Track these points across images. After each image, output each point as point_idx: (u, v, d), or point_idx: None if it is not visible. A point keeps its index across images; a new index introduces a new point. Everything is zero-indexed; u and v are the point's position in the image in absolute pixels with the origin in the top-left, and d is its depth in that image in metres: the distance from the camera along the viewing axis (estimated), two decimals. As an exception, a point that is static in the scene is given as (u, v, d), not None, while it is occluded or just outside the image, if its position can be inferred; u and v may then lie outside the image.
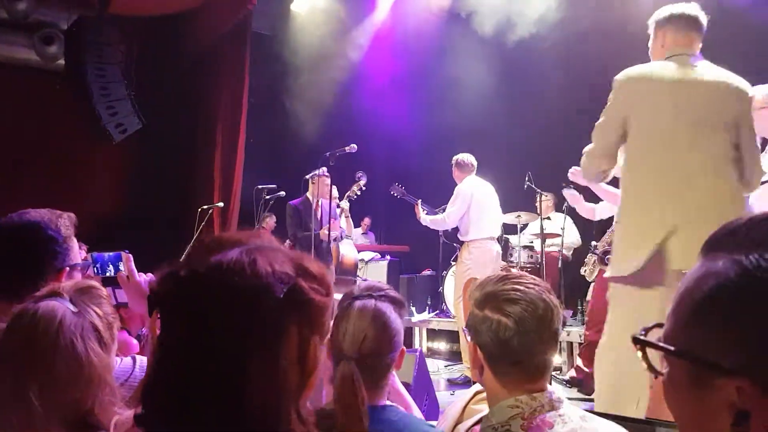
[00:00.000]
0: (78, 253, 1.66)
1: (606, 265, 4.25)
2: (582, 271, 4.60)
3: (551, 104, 6.98)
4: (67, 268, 1.59)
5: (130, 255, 1.71)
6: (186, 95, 8.54)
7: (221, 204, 6.94)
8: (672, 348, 0.56)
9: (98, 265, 1.75)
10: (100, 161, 8.06)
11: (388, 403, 1.42)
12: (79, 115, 8.02)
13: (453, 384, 5.22)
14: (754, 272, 0.52)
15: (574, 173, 4.44)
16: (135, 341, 2.50)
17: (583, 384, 4.53)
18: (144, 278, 1.68)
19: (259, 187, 6.09)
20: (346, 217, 5.78)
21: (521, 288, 1.27)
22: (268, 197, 6.03)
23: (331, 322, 1.33)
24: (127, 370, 1.48)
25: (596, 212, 4.70)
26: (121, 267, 1.71)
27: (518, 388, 1.26)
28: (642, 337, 0.60)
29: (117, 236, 7.30)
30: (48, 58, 7.89)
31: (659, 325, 0.61)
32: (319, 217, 5.48)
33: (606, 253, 4.33)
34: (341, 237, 5.54)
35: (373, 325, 1.38)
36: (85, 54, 8.03)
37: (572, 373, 4.77)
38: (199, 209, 6.50)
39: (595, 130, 2.68)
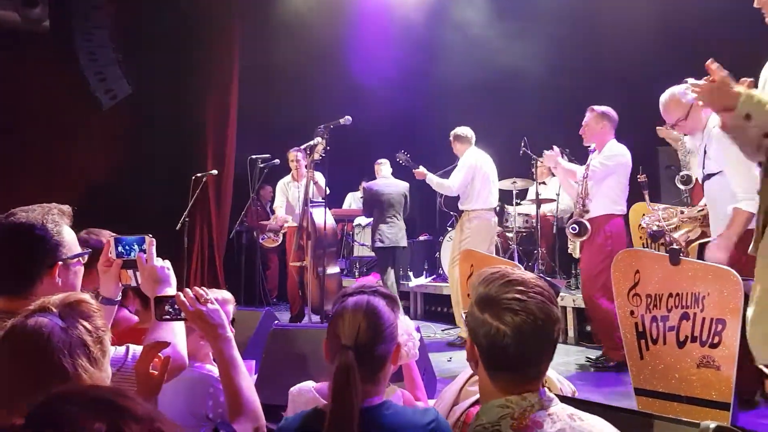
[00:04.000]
0: (73, 243, 1.66)
1: (577, 236, 4.27)
2: (569, 250, 4.64)
3: (547, 69, 6.88)
4: (60, 263, 1.59)
5: (153, 240, 1.76)
6: (177, 58, 8.34)
7: (215, 172, 6.88)
8: None
9: (122, 247, 1.79)
10: (90, 128, 7.90)
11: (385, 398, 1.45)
12: (68, 80, 7.84)
13: (452, 346, 5.30)
14: None
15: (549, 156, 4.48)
16: (135, 318, 2.53)
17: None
18: (161, 264, 1.73)
19: (253, 156, 6.03)
20: (315, 183, 5.72)
21: (523, 298, 1.25)
22: (262, 165, 5.98)
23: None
24: (120, 359, 1.51)
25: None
26: (144, 248, 1.76)
27: (510, 390, 1.26)
28: None
29: (109, 205, 7.30)
30: (32, 21, 7.67)
31: None
32: None
33: (576, 223, 4.29)
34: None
35: (367, 317, 1.43)
36: (71, 17, 7.81)
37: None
38: (193, 177, 6.48)
39: None
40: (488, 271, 1.36)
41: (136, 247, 1.77)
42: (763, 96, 2.01)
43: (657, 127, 4.81)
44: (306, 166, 5.51)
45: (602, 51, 6.44)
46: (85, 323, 1.18)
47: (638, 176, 4.47)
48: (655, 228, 3.78)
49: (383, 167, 6.38)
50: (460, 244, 5.37)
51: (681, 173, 4.75)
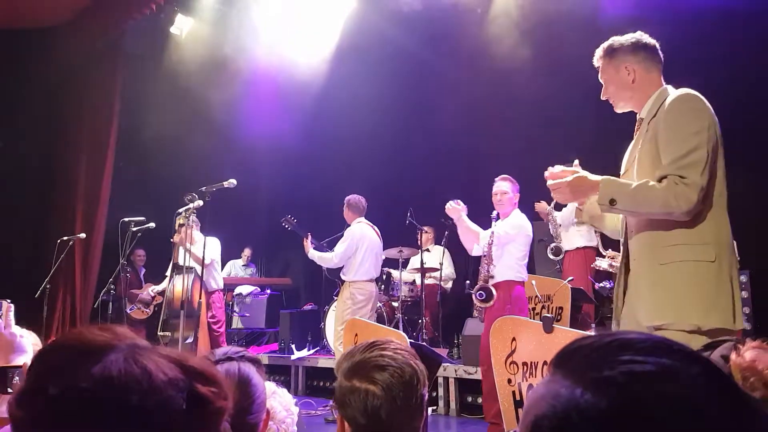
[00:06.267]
0: None
1: (484, 302, 4.21)
2: (475, 314, 4.58)
3: (430, 139, 7.19)
4: None
5: (12, 305, 1.63)
6: (50, 115, 7.86)
7: (83, 235, 6.43)
8: None
9: None
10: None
11: None
12: None
13: (330, 423, 5.10)
14: (576, 411, 0.52)
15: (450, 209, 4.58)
16: None
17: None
18: (19, 332, 1.60)
19: (126, 219, 5.66)
20: (187, 250, 5.48)
21: (388, 353, 1.27)
22: (135, 229, 5.61)
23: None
24: None
25: (475, 249, 4.64)
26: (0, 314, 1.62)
27: None
28: None
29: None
30: None
31: None
32: None
33: (482, 289, 4.28)
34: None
35: (240, 386, 1.38)
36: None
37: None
38: (59, 240, 6.06)
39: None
40: (349, 348, 1.39)
41: None
42: (622, 180, 2.15)
43: (534, 202, 5.10)
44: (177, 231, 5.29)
45: (490, 122, 6.77)
46: None
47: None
48: (605, 266, 3.72)
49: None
50: (343, 314, 5.38)
51: (551, 245, 5.04)
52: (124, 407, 0.63)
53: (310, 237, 5.72)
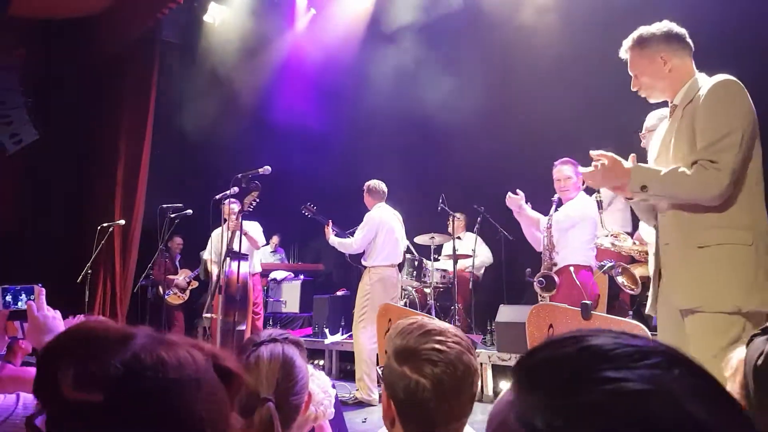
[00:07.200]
0: None
1: (545, 290, 3.96)
2: (540, 301, 4.31)
3: (463, 126, 7.13)
4: None
5: (43, 289, 1.72)
6: (88, 105, 8.05)
7: (122, 222, 6.60)
8: None
9: (9, 297, 1.75)
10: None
11: None
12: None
13: (344, 405, 5.14)
14: None
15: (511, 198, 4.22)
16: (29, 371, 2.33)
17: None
18: (51, 314, 1.67)
19: (164, 206, 5.77)
20: (245, 234, 5.49)
21: (443, 348, 1.22)
22: (173, 216, 5.73)
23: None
24: (9, 408, 1.41)
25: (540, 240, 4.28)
26: (33, 298, 1.70)
27: None
28: None
29: (8, 254, 6.76)
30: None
31: None
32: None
33: (543, 277, 4.04)
34: None
35: (284, 368, 1.40)
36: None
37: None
38: (99, 227, 6.21)
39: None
40: (405, 322, 1.33)
41: (24, 296, 1.72)
42: (652, 166, 2.14)
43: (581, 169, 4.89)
44: (235, 217, 5.31)
45: (520, 105, 6.63)
46: None
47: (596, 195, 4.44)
48: (608, 244, 3.55)
49: None
50: (363, 300, 5.35)
51: None
52: (182, 382, 0.66)
53: (331, 224, 5.67)
